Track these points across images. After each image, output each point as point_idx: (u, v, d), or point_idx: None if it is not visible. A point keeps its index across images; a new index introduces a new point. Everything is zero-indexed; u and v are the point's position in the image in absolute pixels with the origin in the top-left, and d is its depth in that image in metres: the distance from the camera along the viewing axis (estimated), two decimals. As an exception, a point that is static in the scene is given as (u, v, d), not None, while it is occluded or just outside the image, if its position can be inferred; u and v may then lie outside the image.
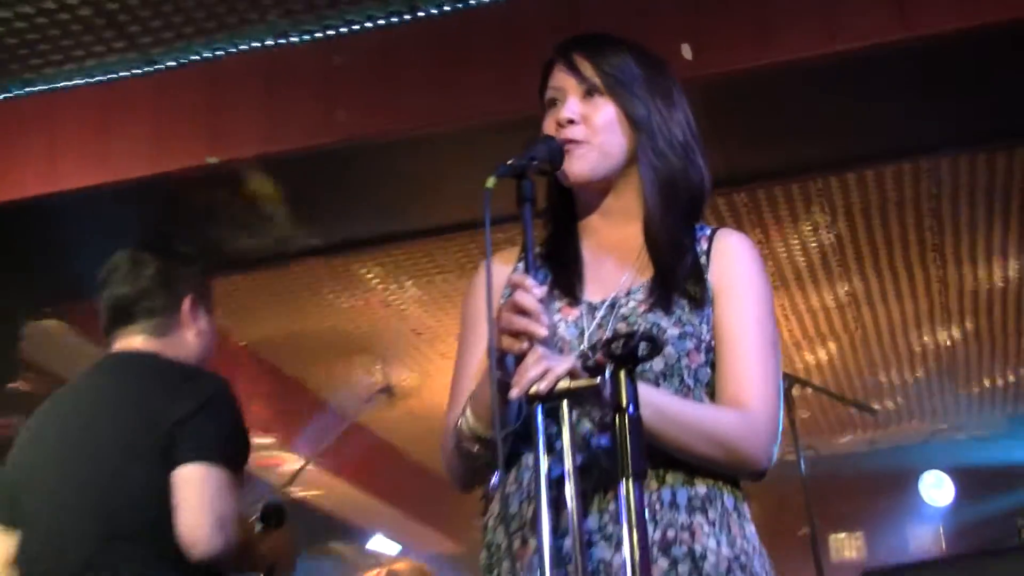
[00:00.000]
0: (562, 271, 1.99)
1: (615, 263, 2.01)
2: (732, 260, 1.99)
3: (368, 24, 4.18)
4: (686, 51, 3.75)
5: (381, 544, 8.79)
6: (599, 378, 1.67)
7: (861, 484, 8.35)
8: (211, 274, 2.86)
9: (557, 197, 2.05)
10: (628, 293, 1.96)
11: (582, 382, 1.70)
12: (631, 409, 1.62)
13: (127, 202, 4.34)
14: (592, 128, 1.98)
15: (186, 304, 2.74)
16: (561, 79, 2.02)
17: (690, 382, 1.91)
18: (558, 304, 1.98)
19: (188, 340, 2.74)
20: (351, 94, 4.17)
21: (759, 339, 1.93)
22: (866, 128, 4.26)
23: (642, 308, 1.93)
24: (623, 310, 1.94)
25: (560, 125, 1.97)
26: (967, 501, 8.30)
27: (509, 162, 1.80)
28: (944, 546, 8.44)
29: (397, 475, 7.98)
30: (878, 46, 3.74)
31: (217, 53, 4.30)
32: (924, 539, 8.53)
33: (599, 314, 1.94)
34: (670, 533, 1.83)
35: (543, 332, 1.73)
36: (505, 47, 4.02)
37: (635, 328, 1.88)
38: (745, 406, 1.88)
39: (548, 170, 1.92)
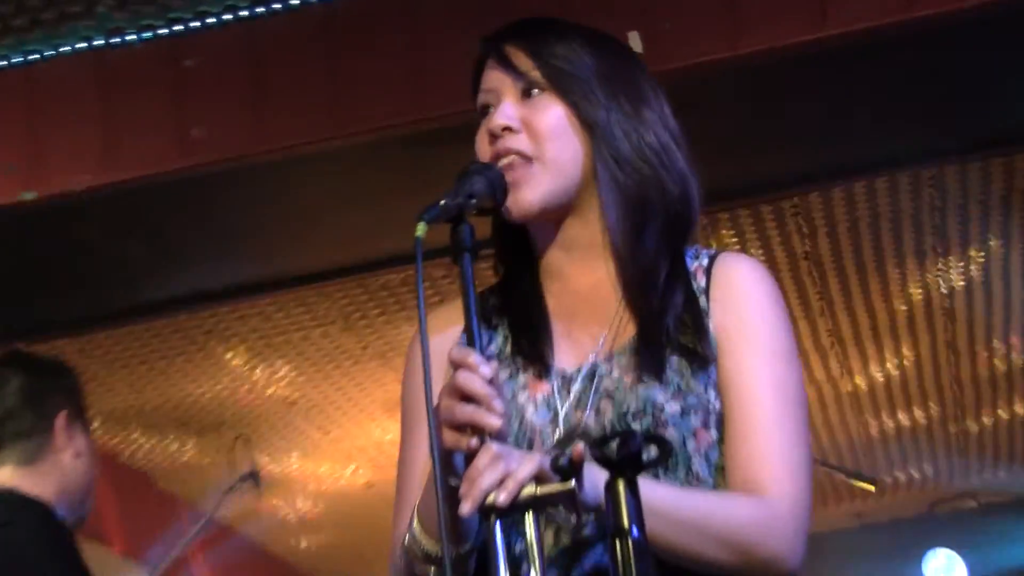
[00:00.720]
0: (524, 331, 1.96)
1: (589, 314, 1.97)
2: (739, 297, 1.96)
3: (228, 16, 4.14)
4: (634, 41, 3.76)
5: None
6: (573, 481, 1.64)
7: (850, 569, 8.30)
8: (81, 387, 2.91)
9: (506, 231, 2.00)
10: (610, 357, 1.92)
11: (553, 487, 1.66)
12: (635, 532, 1.58)
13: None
14: (536, 136, 1.94)
15: (59, 422, 2.80)
16: (493, 78, 1.99)
17: (700, 469, 1.89)
18: (522, 378, 1.93)
19: (65, 464, 2.81)
20: (208, 105, 4.15)
21: (778, 402, 1.90)
22: (854, 134, 4.32)
23: (629, 378, 1.88)
24: (606, 382, 1.89)
25: (494, 136, 1.94)
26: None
27: (441, 202, 1.76)
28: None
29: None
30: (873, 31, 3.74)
31: (31, 58, 4.21)
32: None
33: (575, 387, 1.91)
34: None
35: (495, 423, 1.68)
36: (411, 41, 4.01)
37: (626, 408, 1.85)
38: (762, 491, 1.84)
39: (490, 207, 1.88)
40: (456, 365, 1.72)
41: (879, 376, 6.95)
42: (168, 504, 7.10)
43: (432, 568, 1.83)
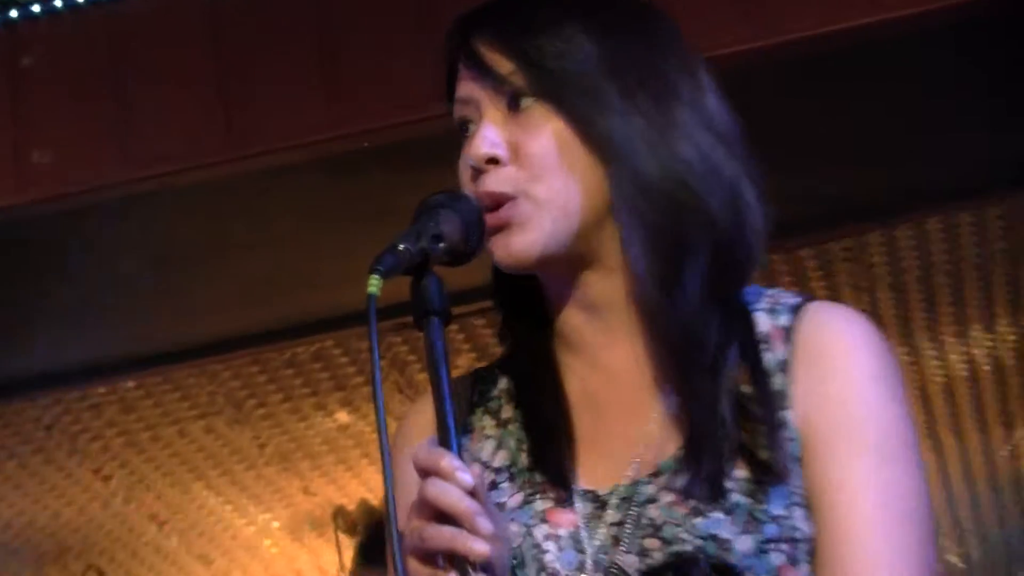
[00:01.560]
0: (542, 434, 1.94)
1: (624, 406, 1.94)
2: (835, 373, 1.91)
3: None
4: None
5: None
6: None
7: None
8: None
9: (505, 281, 1.99)
10: (656, 472, 1.88)
11: None
12: None
13: None
14: (528, 165, 1.91)
15: None
16: (467, 86, 1.98)
17: None
18: (539, 504, 1.90)
19: None
20: (54, 119, 4.23)
21: (887, 516, 1.86)
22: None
23: (682, 507, 1.85)
24: (651, 511, 1.86)
25: (475, 169, 1.91)
26: None
27: (399, 246, 1.75)
28: None
29: None
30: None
31: None
32: None
33: (609, 517, 1.88)
34: None
35: (482, 549, 1.66)
36: (322, 35, 4.19)
37: (680, 548, 1.84)
38: None
39: (464, 252, 1.84)
40: (425, 471, 1.70)
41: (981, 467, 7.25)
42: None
43: None
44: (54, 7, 4.39)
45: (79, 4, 4.39)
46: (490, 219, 1.88)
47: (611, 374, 1.97)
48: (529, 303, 1.99)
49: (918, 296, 5.84)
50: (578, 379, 1.97)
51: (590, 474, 1.92)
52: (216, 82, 4.28)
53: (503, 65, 1.95)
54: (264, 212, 4.46)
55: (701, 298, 1.91)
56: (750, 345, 1.93)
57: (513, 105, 1.95)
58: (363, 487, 6.44)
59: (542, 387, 1.98)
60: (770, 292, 1.97)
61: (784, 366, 1.92)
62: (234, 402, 5.88)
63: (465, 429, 1.98)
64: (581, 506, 1.91)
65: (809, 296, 1.96)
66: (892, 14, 3.96)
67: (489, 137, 1.94)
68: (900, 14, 3.96)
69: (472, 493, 1.69)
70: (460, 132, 1.98)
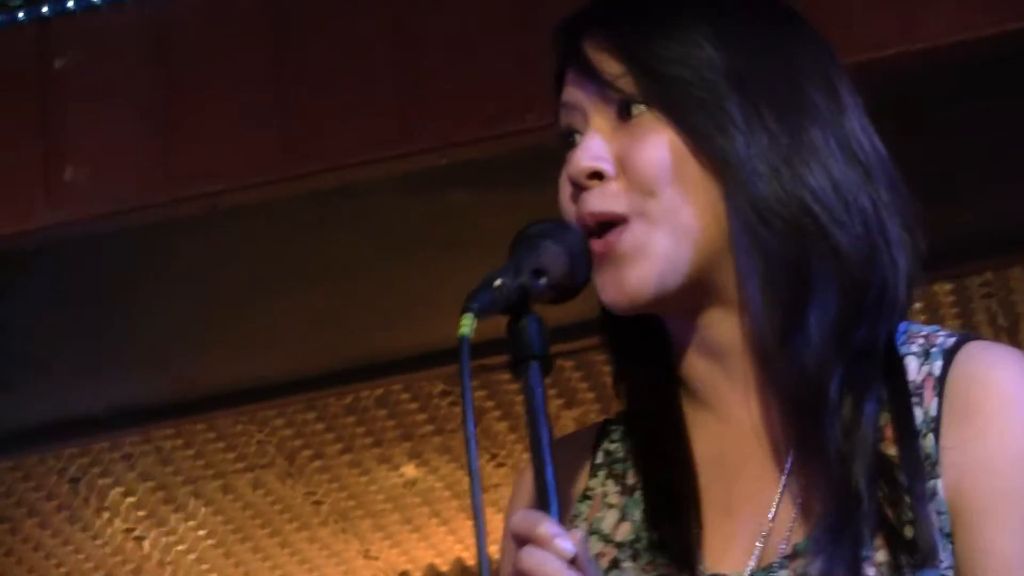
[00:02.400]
0: (663, 504, 1.87)
1: (757, 474, 1.86)
2: (989, 434, 1.79)
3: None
4: None
5: None
6: None
7: None
8: None
9: (617, 317, 1.90)
10: (793, 556, 1.79)
11: None
12: None
13: None
14: (638, 180, 1.85)
15: None
16: (573, 91, 1.92)
17: None
18: None
19: None
20: (89, 130, 4.07)
21: None
22: None
23: None
24: None
25: (576, 185, 1.86)
26: None
27: (495, 282, 1.73)
28: None
29: None
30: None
31: None
32: None
33: None
34: None
35: None
36: (406, 31, 3.96)
37: None
38: None
39: (569, 288, 1.80)
40: (521, 539, 1.64)
41: None
42: None
43: None
44: (90, 2, 4.12)
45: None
46: (596, 246, 1.84)
47: (742, 432, 1.89)
48: (646, 345, 1.93)
49: None
50: (708, 438, 1.91)
51: (718, 555, 1.85)
52: (273, 88, 4.00)
53: (612, 67, 1.90)
54: (324, 238, 4.18)
55: (825, 344, 1.82)
56: (898, 399, 1.84)
57: (623, 113, 1.89)
58: (432, 551, 6.09)
59: (666, 448, 1.91)
60: (925, 331, 1.87)
61: (935, 424, 1.82)
62: (286, 453, 5.56)
63: (584, 495, 1.91)
64: None
65: (968, 335, 1.86)
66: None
67: (592, 148, 1.88)
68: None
69: (573, 562, 1.62)
70: (565, 142, 1.92)
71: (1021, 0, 3.68)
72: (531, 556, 1.63)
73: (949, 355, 1.83)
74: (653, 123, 1.87)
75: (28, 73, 4.18)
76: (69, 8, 4.13)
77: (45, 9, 4.12)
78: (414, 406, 5.25)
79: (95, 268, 4.25)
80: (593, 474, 1.93)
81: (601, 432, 1.94)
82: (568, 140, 1.90)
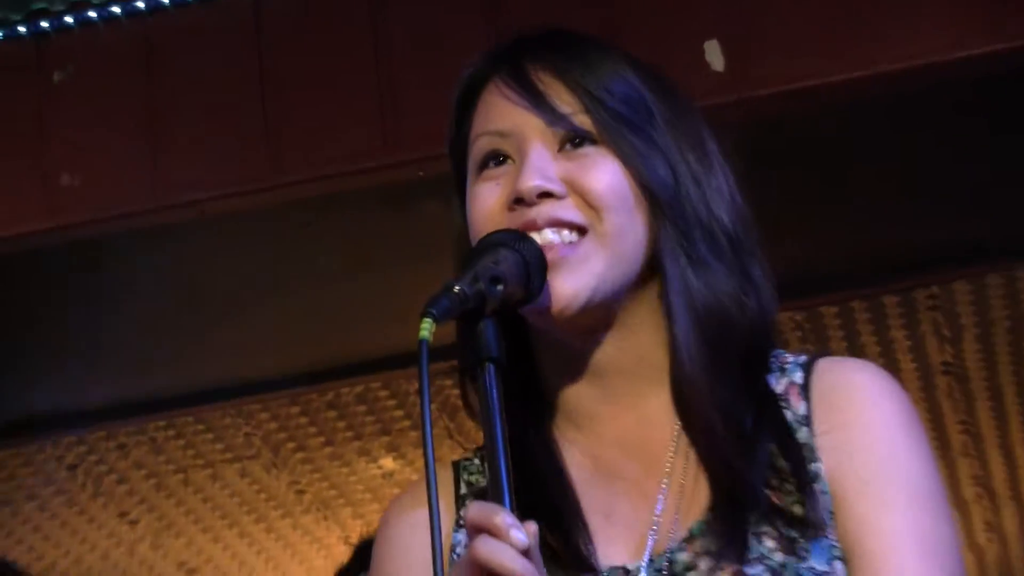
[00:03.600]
0: (549, 517, 1.80)
1: (637, 474, 1.86)
2: (854, 421, 1.82)
3: (116, 9, 3.94)
4: (713, 54, 3.71)
5: None
6: None
7: None
8: None
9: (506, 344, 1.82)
10: (689, 538, 1.79)
11: None
12: None
13: None
14: (591, 202, 1.82)
15: None
16: (510, 115, 1.84)
17: None
18: None
19: None
20: (84, 139, 3.94)
21: (923, 564, 1.76)
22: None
23: (728, 572, 1.75)
24: None
25: (523, 203, 1.80)
26: None
27: (454, 288, 1.65)
28: None
29: None
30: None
31: None
32: None
33: None
34: None
35: None
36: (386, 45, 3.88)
37: None
38: None
39: (517, 301, 1.74)
40: (476, 528, 1.57)
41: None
42: None
43: None
44: (88, 17, 3.98)
45: (115, 15, 4.00)
46: (550, 254, 1.79)
47: (622, 444, 1.88)
48: (515, 375, 1.84)
49: (1006, 349, 5.46)
50: (582, 455, 1.89)
51: (612, 549, 1.82)
52: (259, 101, 3.85)
53: (566, 100, 1.85)
54: (308, 245, 4.14)
55: (740, 371, 1.83)
56: (769, 404, 1.85)
57: (572, 143, 1.84)
58: (407, 538, 6.04)
59: (539, 466, 1.85)
60: (773, 354, 1.89)
61: (807, 420, 1.84)
62: (271, 445, 5.52)
63: (459, 524, 1.85)
64: None
65: (815, 353, 1.91)
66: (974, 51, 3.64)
67: (546, 170, 1.82)
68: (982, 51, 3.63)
69: (525, 553, 1.56)
70: (476, 167, 1.86)
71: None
72: (486, 544, 1.56)
73: (807, 367, 1.87)
74: (602, 154, 1.85)
75: (28, 85, 4.07)
76: (68, 24, 4.04)
77: (45, 24, 4.03)
78: (392, 403, 5.26)
79: (92, 270, 4.19)
80: (461, 504, 1.88)
81: (456, 470, 1.89)
82: (483, 165, 1.85)
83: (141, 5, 3.99)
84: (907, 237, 4.39)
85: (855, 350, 5.30)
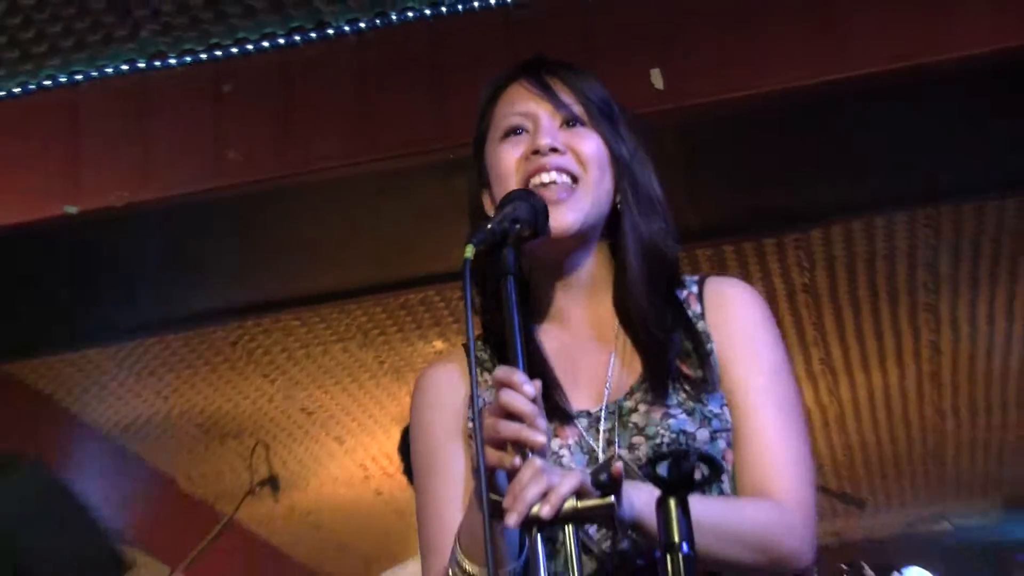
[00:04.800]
0: (534, 376, 1.87)
1: (592, 352, 2.01)
2: (737, 319, 2.01)
3: (265, 44, 4.18)
4: (656, 78, 3.82)
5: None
6: (612, 496, 1.68)
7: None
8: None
9: (490, 280, 1.95)
10: (630, 392, 1.96)
11: (593, 501, 1.69)
12: (685, 547, 1.61)
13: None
14: (580, 160, 1.99)
15: None
16: (529, 102, 2.03)
17: (729, 487, 1.94)
18: (550, 425, 1.91)
19: None
20: (245, 128, 4.15)
21: (782, 416, 1.95)
22: (856, 173, 4.34)
23: (656, 412, 1.92)
24: (635, 418, 1.93)
25: (537, 153, 1.97)
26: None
27: (488, 226, 1.80)
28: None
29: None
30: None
31: (76, 78, 4.24)
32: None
33: (603, 426, 1.93)
34: None
35: (540, 439, 1.71)
36: (433, 71, 4.04)
37: (660, 441, 1.88)
38: (775, 495, 1.91)
39: (527, 237, 1.87)
40: (500, 385, 1.73)
41: (865, 403, 6.97)
42: (190, 506, 7.05)
43: None
44: (245, 49, 4.09)
45: (260, 48, 4.12)
46: (549, 197, 1.93)
47: (582, 332, 2.02)
48: (497, 289, 1.87)
49: (844, 277, 5.63)
50: (553, 339, 2.02)
51: (578, 400, 1.97)
52: (354, 104, 4.03)
53: (567, 95, 2.03)
54: (387, 201, 4.21)
55: (665, 287, 2.01)
56: (680, 307, 2.01)
57: (569, 123, 2.02)
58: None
59: (533, 349, 1.96)
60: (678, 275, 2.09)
61: (702, 316, 2.01)
62: (363, 331, 5.83)
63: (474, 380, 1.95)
64: (582, 421, 1.95)
65: (705, 273, 2.08)
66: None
67: (555, 134, 1.99)
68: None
69: (533, 400, 1.72)
70: (503, 135, 2.01)
71: None
72: (507, 394, 1.71)
73: (700, 283, 2.04)
74: (589, 131, 2.01)
75: (62, 120, 4.17)
76: (77, 80, 4.16)
77: (64, 79, 4.17)
78: (441, 304, 5.51)
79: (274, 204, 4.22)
80: (486, 362, 2.01)
81: (464, 350, 2.02)
82: (509, 134, 2.00)
83: (280, 41, 4.04)
84: (781, 199, 4.46)
85: (745, 276, 5.35)
